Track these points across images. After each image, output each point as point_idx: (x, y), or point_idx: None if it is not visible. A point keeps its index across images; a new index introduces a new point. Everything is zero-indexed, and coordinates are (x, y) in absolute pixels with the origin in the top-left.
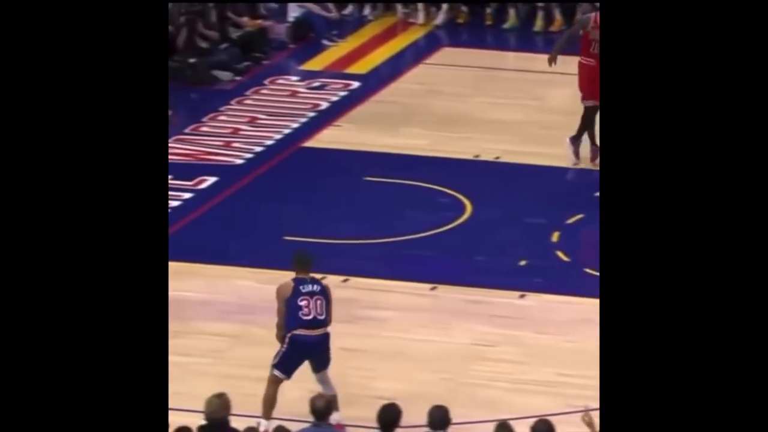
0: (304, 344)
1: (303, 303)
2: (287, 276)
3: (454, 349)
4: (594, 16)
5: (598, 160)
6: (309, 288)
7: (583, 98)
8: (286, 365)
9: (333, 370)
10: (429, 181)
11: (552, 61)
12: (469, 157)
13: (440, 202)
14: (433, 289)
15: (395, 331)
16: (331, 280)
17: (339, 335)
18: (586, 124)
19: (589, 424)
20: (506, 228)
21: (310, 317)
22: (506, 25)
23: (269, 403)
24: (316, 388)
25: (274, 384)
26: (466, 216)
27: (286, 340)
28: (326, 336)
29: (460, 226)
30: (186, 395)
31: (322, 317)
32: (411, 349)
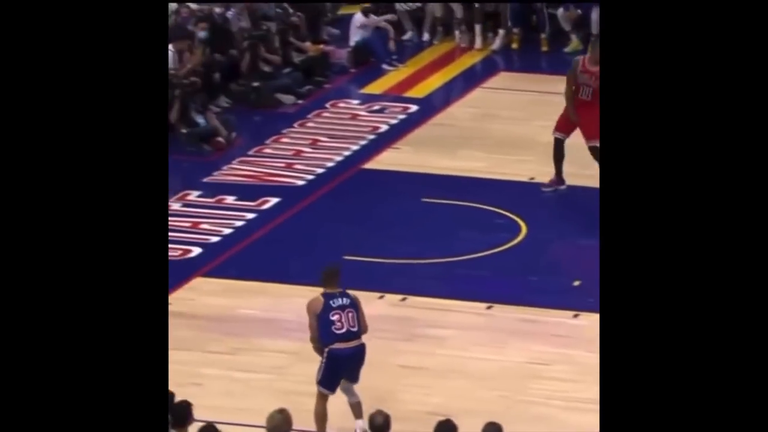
0: (342, 357)
1: (335, 317)
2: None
3: (510, 367)
4: (582, 60)
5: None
6: (339, 302)
7: (555, 129)
8: (328, 381)
9: (392, 387)
10: (485, 203)
11: (574, 116)
12: (525, 179)
13: (496, 223)
14: (489, 308)
15: (452, 349)
16: (390, 299)
17: (397, 353)
18: (558, 160)
19: None
20: (561, 249)
21: (344, 330)
22: (567, 49)
23: (321, 417)
24: (370, 405)
25: (322, 399)
26: (521, 237)
27: (325, 355)
28: (362, 347)
29: (515, 247)
30: (248, 410)
31: (355, 329)
32: (468, 367)
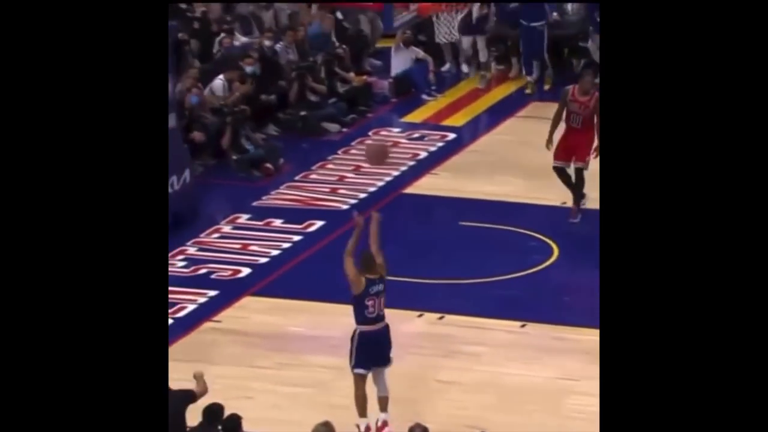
0: (369, 337)
1: (369, 303)
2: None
3: (542, 382)
4: (572, 89)
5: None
6: (376, 288)
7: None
8: (361, 360)
9: (431, 401)
10: (519, 226)
11: (549, 144)
12: (557, 203)
13: (529, 245)
14: (522, 326)
15: (488, 365)
16: (428, 317)
17: (436, 368)
18: (569, 185)
19: None
20: (590, 270)
21: (374, 315)
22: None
23: (361, 401)
24: (410, 417)
25: (359, 383)
26: (553, 259)
27: (354, 336)
28: (387, 327)
29: (547, 268)
30: (294, 423)
31: (383, 313)
32: (502, 382)
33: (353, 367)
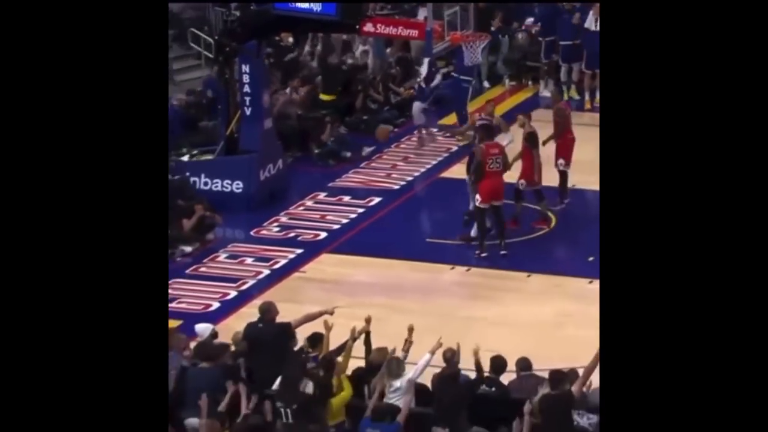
0: None
1: None
2: (425, 266)
3: (544, 318)
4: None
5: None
6: None
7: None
8: None
9: (458, 332)
10: (529, 202)
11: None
12: (557, 185)
13: (536, 216)
14: (528, 276)
15: (502, 305)
16: (458, 270)
17: (465, 308)
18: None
19: None
20: (580, 234)
21: None
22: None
23: None
24: (444, 344)
25: None
26: (553, 226)
27: None
28: None
29: (549, 233)
30: (359, 348)
31: None
32: (514, 318)
33: None
